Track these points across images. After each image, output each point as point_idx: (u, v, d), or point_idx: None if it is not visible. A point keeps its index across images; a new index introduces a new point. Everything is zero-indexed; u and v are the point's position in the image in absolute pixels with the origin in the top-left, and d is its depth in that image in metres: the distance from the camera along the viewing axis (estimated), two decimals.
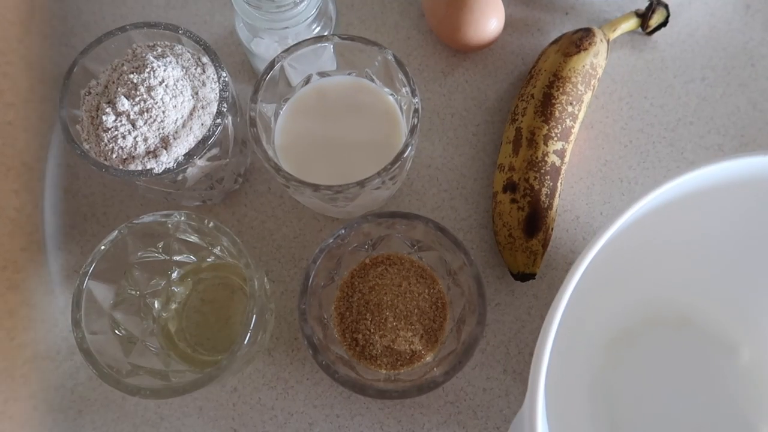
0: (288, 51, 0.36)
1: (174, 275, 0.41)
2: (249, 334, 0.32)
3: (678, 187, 0.33)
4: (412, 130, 0.34)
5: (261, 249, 0.45)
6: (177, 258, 0.39)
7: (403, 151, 0.34)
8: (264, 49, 0.43)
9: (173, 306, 0.41)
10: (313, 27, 0.42)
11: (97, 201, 0.46)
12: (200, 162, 0.35)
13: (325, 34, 0.43)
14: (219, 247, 0.39)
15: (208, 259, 0.41)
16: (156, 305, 0.40)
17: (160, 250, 0.38)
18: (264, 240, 0.45)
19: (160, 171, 0.34)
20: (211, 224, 0.34)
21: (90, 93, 0.36)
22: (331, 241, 0.34)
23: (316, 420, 0.42)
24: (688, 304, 0.43)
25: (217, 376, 0.32)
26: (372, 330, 0.37)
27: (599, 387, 0.42)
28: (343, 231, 0.34)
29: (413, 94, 0.35)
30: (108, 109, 0.34)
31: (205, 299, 0.42)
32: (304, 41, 0.36)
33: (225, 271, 0.42)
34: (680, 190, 0.33)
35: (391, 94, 0.39)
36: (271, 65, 0.36)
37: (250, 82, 0.48)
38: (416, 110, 0.35)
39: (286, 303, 0.44)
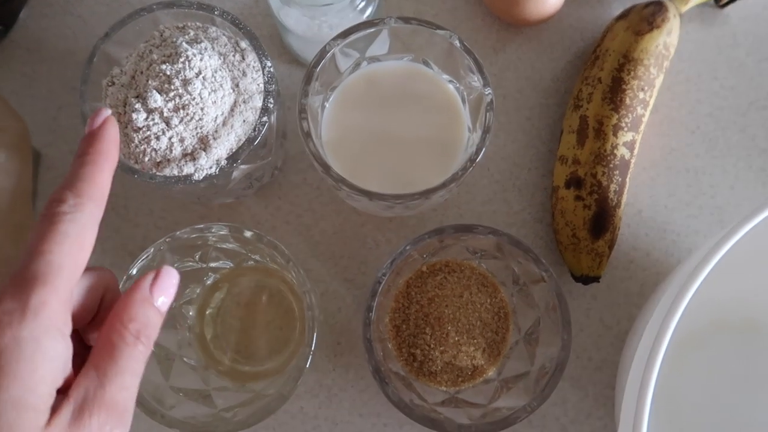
0: (343, 36, 0.31)
1: (209, 281, 0.37)
2: (310, 358, 0.29)
3: None
4: (486, 131, 0.30)
5: (297, 246, 0.41)
6: (213, 264, 0.36)
7: (475, 157, 0.30)
8: (294, 22, 0.38)
9: (208, 311, 0.38)
10: (357, 1, 0.37)
11: (118, 192, 0.42)
12: (243, 165, 0.31)
13: (370, 8, 0.38)
14: (259, 254, 0.35)
15: (245, 263, 0.38)
16: (190, 313, 0.37)
17: (197, 259, 0.34)
18: (300, 236, 0.42)
19: (200, 178, 0.30)
20: (265, 240, 0.30)
21: (114, 84, 0.31)
22: (397, 256, 0.31)
23: (363, 429, 0.40)
24: (755, 308, 0.40)
25: (275, 410, 0.29)
26: (432, 345, 0.34)
27: (662, 392, 0.40)
28: (409, 246, 0.31)
29: (485, 84, 0.31)
30: (138, 105, 0.30)
31: (241, 303, 0.39)
32: (359, 25, 0.32)
33: (262, 274, 0.39)
34: None
35: (451, 81, 0.35)
36: (323, 53, 0.31)
37: (281, 59, 0.44)
38: (490, 103, 0.31)
39: (327, 305, 0.41)
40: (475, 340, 0.35)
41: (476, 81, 0.32)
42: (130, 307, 0.22)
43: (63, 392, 0.21)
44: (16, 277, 0.21)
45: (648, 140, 0.43)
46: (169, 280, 0.24)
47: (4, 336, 0.20)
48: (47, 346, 0.20)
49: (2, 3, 0.43)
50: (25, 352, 0.20)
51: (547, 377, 0.29)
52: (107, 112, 0.25)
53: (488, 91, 0.31)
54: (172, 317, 0.35)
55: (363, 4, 0.37)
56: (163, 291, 0.24)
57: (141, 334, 0.22)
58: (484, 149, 0.30)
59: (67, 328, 0.21)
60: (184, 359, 0.35)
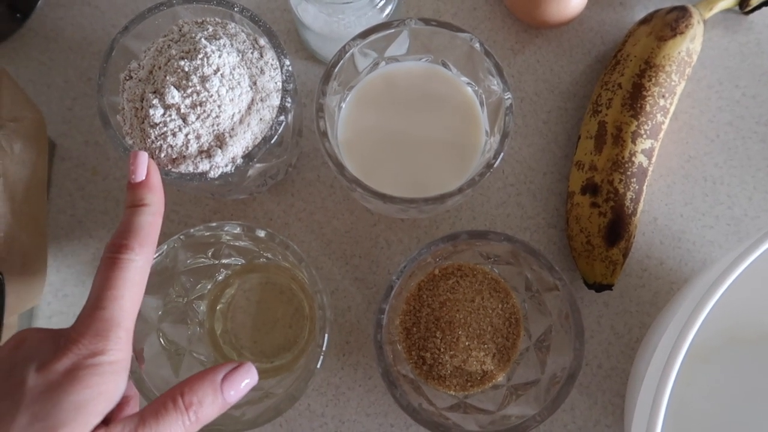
0: (363, 36, 0.31)
1: (220, 277, 0.37)
2: (321, 359, 0.29)
3: None
4: (505, 135, 0.30)
5: (309, 243, 0.41)
6: (225, 261, 0.36)
7: (493, 162, 0.30)
8: (312, 18, 0.38)
9: (218, 307, 0.38)
10: (377, 0, 0.37)
11: None
12: (259, 164, 0.31)
13: (389, 6, 0.38)
14: (271, 252, 0.35)
15: (257, 261, 0.37)
16: (202, 308, 0.37)
17: (209, 256, 0.34)
18: (312, 233, 0.42)
19: (216, 176, 0.30)
20: (278, 240, 0.30)
21: (131, 78, 0.31)
22: (410, 261, 0.31)
23: (370, 429, 0.39)
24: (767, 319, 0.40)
25: (284, 410, 0.29)
26: (442, 349, 0.34)
27: (673, 404, 0.39)
28: (423, 252, 0.31)
29: (505, 88, 0.31)
30: (155, 101, 0.30)
31: (251, 299, 0.39)
32: (380, 25, 0.31)
33: (273, 271, 0.39)
34: None
35: (470, 84, 0.35)
36: (342, 52, 0.31)
37: (297, 55, 0.43)
38: (509, 108, 0.30)
39: (336, 303, 0.41)
40: (486, 346, 0.34)
41: (496, 85, 0.32)
42: (195, 383, 0.25)
43: (105, 423, 0.24)
44: (94, 317, 0.24)
45: (666, 147, 0.42)
46: (244, 377, 0.26)
47: (87, 360, 0.23)
48: (116, 375, 0.24)
49: None
50: (99, 372, 0.23)
51: (558, 386, 0.29)
52: (145, 155, 0.27)
53: (508, 95, 0.31)
54: (183, 312, 0.35)
55: (383, 2, 0.37)
56: (234, 386, 0.25)
57: (191, 408, 0.24)
58: (502, 154, 0.30)
59: (129, 363, 0.25)
60: (194, 354, 0.35)
